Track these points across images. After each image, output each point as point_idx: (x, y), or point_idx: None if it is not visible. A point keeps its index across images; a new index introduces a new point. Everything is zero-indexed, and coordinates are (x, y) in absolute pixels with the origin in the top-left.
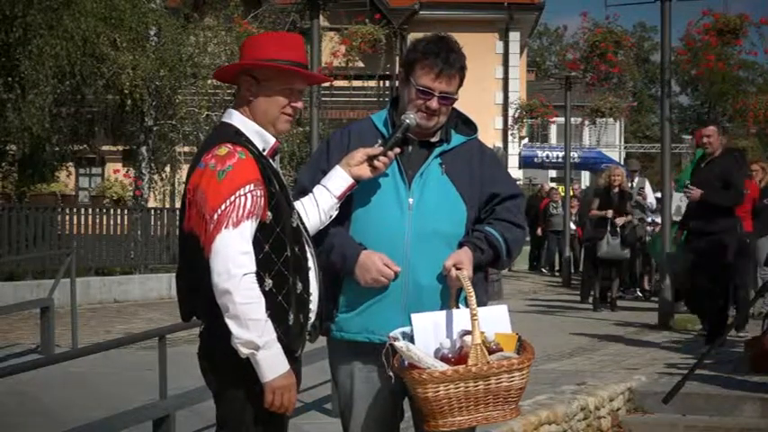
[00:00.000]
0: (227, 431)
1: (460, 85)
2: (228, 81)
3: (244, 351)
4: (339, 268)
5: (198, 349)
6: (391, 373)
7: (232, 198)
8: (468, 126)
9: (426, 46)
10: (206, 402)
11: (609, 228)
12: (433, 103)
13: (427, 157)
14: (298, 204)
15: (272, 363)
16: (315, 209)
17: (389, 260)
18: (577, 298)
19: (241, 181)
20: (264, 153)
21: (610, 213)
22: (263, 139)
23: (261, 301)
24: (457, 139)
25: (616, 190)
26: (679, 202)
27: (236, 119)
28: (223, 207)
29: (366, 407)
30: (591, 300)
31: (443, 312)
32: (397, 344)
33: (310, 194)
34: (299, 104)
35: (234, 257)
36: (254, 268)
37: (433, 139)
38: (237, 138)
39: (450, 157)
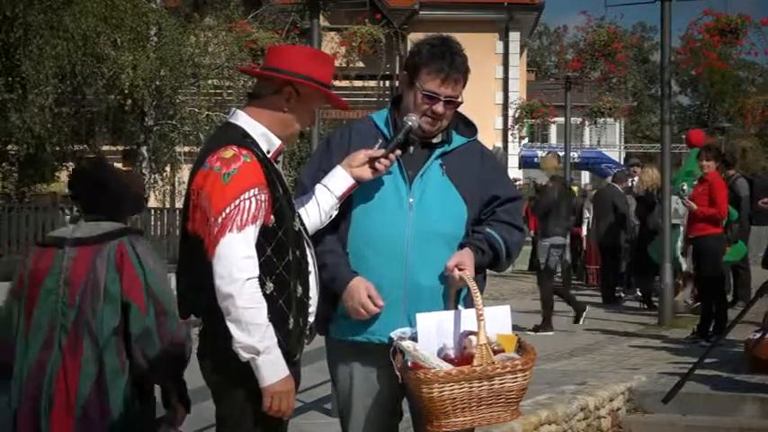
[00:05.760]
0: (226, 431)
1: (464, 87)
2: (257, 74)
3: (244, 355)
4: (328, 287)
5: (197, 349)
6: (398, 373)
7: (237, 202)
8: (468, 128)
9: (431, 50)
10: (206, 402)
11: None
12: (439, 108)
13: (428, 157)
14: (299, 204)
15: (271, 367)
16: (316, 208)
17: (376, 293)
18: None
19: (246, 185)
20: (269, 155)
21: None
22: (268, 141)
23: (263, 306)
24: (458, 140)
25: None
26: (676, 204)
27: (243, 120)
28: (227, 210)
29: (365, 407)
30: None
31: (449, 312)
32: (403, 343)
33: (311, 194)
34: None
35: (237, 262)
36: (257, 273)
37: (435, 140)
38: (243, 140)
39: (450, 158)
